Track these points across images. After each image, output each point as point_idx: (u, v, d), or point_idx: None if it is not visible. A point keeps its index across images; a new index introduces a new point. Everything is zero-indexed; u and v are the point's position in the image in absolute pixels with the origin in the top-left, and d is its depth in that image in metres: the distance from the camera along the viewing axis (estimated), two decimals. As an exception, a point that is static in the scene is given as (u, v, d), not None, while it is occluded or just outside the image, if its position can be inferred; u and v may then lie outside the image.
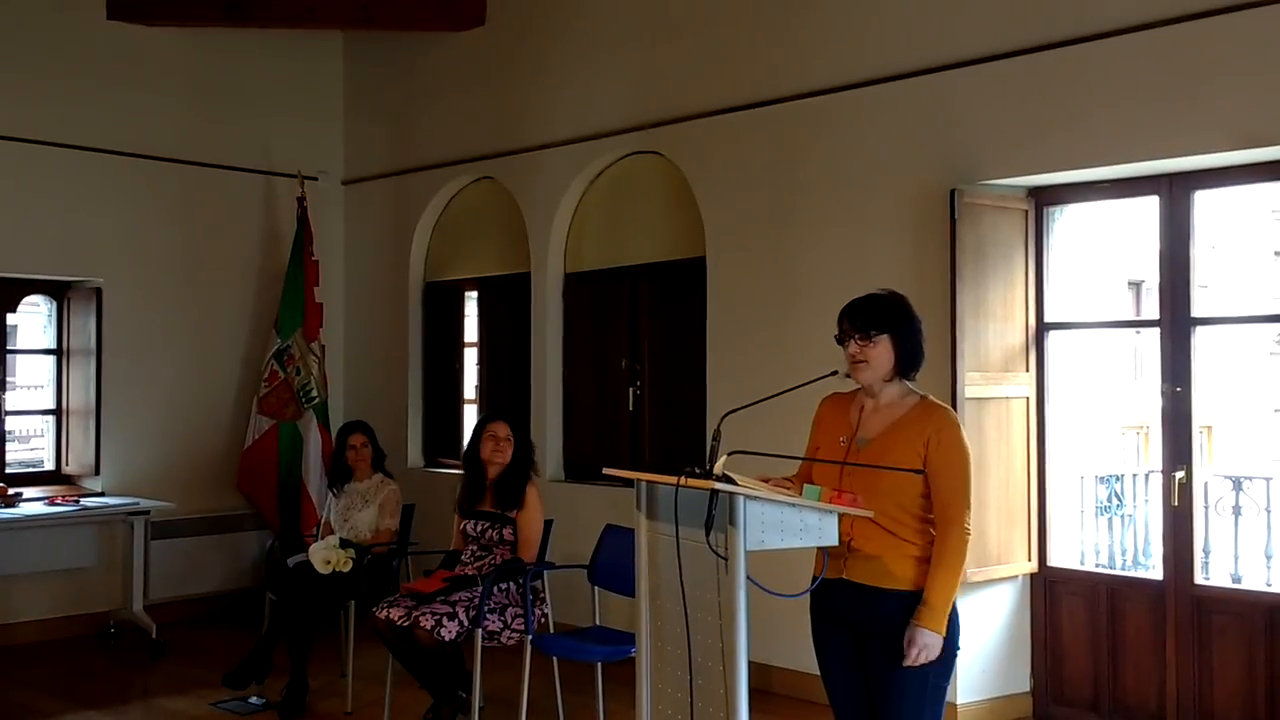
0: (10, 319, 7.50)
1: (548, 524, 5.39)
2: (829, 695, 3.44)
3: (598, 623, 5.21)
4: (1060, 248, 5.53)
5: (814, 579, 3.36)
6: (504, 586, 5.14)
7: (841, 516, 3.18)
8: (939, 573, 3.22)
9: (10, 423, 7.52)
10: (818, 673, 3.48)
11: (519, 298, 7.37)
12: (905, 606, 3.25)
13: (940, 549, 3.24)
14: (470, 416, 7.85)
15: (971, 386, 5.22)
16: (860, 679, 3.34)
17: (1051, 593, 5.44)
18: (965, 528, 3.25)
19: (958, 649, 3.32)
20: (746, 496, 3.05)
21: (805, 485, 3.22)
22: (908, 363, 3.37)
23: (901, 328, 3.35)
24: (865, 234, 5.67)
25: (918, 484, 3.27)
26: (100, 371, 7.39)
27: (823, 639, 3.42)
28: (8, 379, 7.49)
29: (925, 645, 3.18)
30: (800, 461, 3.53)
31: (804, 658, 3.69)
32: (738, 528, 3.04)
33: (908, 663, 3.19)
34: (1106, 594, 5.30)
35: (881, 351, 3.33)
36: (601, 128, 6.82)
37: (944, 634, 3.21)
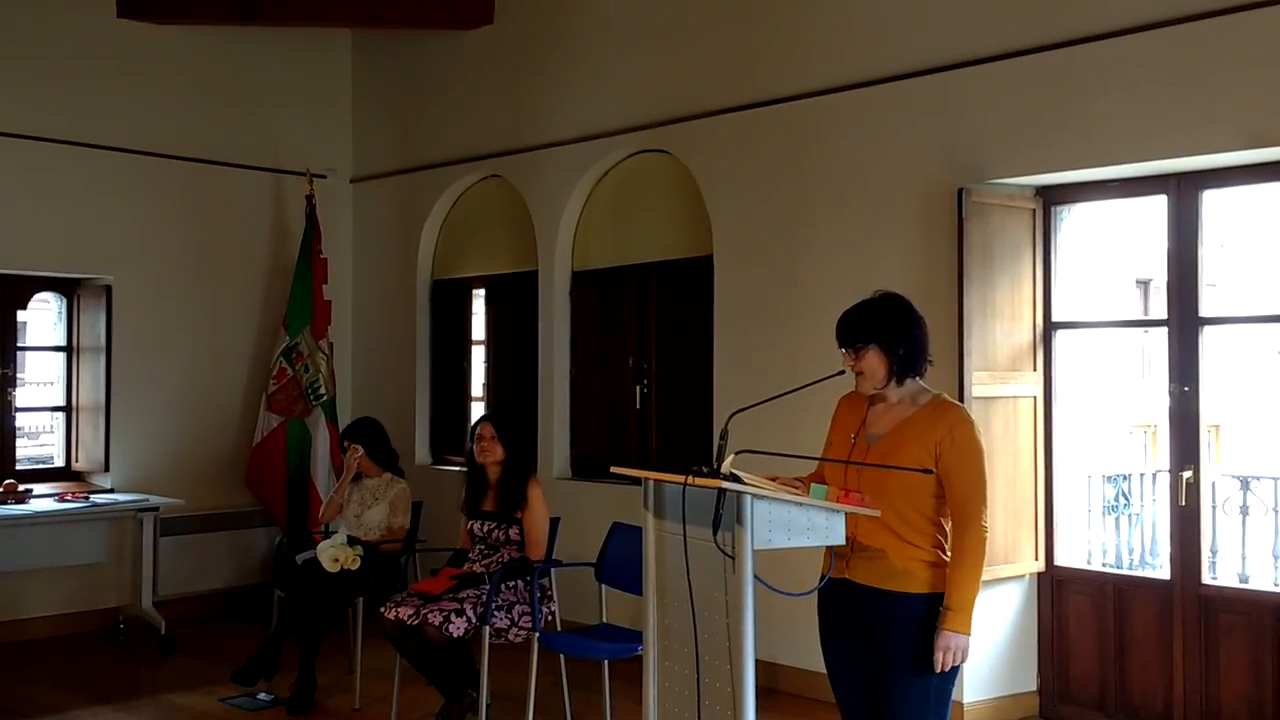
0: (20, 316, 7.54)
1: (554, 522, 5.40)
2: (835, 694, 3.45)
3: (605, 620, 5.22)
4: (1068, 247, 5.53)
5: (821, 578, 3.36)
6: (511, 584, 5.16)
7: (848, 516, 3.19)
8: (958, 573, 3.21)
9: (20, 419, 7.54)
10: (824, 671, 3.48)
11: (526, 296, 7.39)
12: (908, 610, 3.24)
13: (958, 549, 3.23)
14: (477, 414, 7.85)
15: (979, 385, 5.22)
16: (866, 678, 3.34)
17: (1058, 592, 5.44)
18: (983, 526, 3.23)
19: (964, 649, 3.33)
20: (754, 495, 3.06)
21: (812, 484, 3.22)
22: (904, 366, 3.33)
23: (887, 334, 3.32)
24: (873, 232, 5.67)
25: (928, 484, 3.25)
26: (110, 368, 7.41)
27: (828, 638, 3.42)
28: (18, 376, 7.51)
29: (951, 647, 3.18)
30: (816, 462, 3.52)
31: (811, 656, 3.69)
32: (745, 527, 3.05)
33: (938, 668, 3.18)
34: (1113, 593, 5.30)
35: (871, 361, 3.33)
36: (609, 126, 6.82)
37: (970, 633, 3.19)
